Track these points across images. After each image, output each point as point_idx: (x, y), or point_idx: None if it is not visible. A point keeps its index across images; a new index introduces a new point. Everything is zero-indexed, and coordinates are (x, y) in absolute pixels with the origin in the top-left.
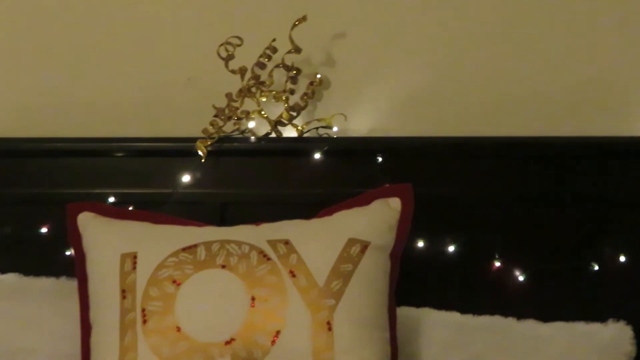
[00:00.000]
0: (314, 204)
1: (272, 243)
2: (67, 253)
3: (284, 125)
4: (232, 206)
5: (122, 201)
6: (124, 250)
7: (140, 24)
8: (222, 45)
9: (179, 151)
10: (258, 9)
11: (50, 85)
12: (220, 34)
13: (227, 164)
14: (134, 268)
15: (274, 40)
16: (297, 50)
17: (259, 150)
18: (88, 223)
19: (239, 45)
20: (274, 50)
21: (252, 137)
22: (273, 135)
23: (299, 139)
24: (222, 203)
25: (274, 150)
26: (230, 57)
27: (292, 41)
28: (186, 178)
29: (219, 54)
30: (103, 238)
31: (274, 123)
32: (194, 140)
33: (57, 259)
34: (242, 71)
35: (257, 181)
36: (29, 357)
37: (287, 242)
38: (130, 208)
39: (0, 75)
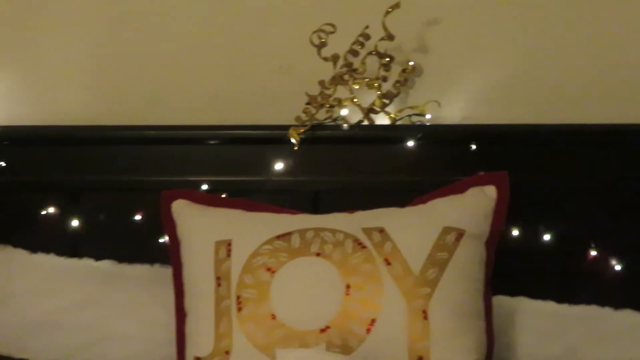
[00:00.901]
0: (407, 191)
1: (367, 231)
2: (161, 240)
3: (377, 112)
4: (324, 194)
5: (215, 189)
6: (218, 238)
7: (234, 12)
8: (315, 32)
9: (272, 139)
10: None
11: (144, 74)
12: (313, 21)
13: (320, 152)
14: (229, 255)
15: (367, 27)
16: (390, 37)
17: (351, 138)
18: (182, 210)
19: (332, 33)
20: (367, 37)
21: (345, 125)
22: (365, 123)
23: (392, 126)
24: (314, 191)
25: (367, 138)
26: (323, 45)
27: (385, 28)
28: (279, 166)
29: (312, 42)
30: (197, 225)
31: (367, 111)
32: (286, 128)
33: (151, 246)
34: (335, 58)
35: (349, 169)
36: (124, 343)
37: (382, 230)
38: (223, 196)
39: (97, 63)
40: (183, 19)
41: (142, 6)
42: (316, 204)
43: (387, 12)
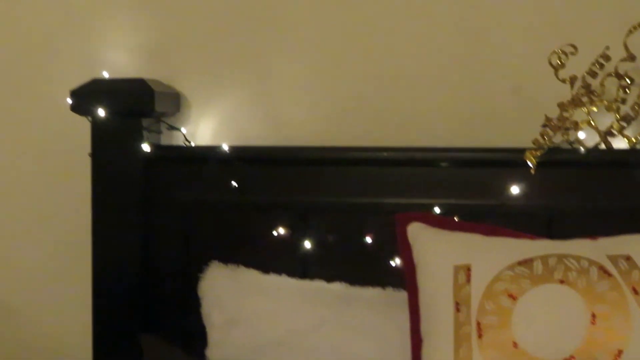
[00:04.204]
0: None
1: (613, 258)
2: (392, 263)
3: (614, 136)
4: (559, 218)
5: (447, 212)
6: (457, 262)
7: (462, 32)
8: (553, 53)
9: (506, 162)
10: (589, 15)
11: (372, 94)
12: (548, 41)
13: (556, 175)
14: (468, 281)
15: (607, 48)
16: (632, 58)
17: (588, 161)
18: (418, 234)
19: (573, 54)
20: (607, 58)
21: (582, 148)
22: (602, 146)
23: (632, 151)
24: (549, 215)
25: (605, 162)
26: (561, 66)
27: (626, 48)
28: (513, 189)
29: (550, 63)
30: (435, 249)
31: (604, 134)
32: (522, 150)
33: (382, 268)
34: (572, 80)
35: (586, 193)
36: None
37: (628, 258)
38: (455, 219)
39: (327, 83)
40: (410, 38)
41: (366, 27)
42: (550, 229)
43: (630, 32)
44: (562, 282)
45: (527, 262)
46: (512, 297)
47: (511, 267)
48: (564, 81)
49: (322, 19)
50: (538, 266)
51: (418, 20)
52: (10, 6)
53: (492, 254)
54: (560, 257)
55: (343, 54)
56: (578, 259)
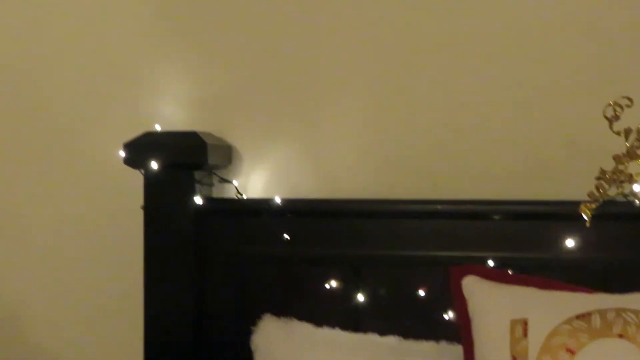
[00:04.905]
0: None
1: None
2: (445, 316)
3: None
4: (616, 271)
5: (501, 265)
6: (513, 316)
7: (514, 84)
8: (608, 105)
9: (561, 214)
10: None
11: (421, 147)
12: (603, 94)
13: (611, 228)
14: (525, 335)
15: None
16: None
17: None
18: (474, 287)
19: (628, 106)
20: None
21: (637, 201)
22: None
23: None
24: (605, 268)
25: None
26: (615, 118)
27: None
28: (569, 242)
29: (605, 115)
30: (491, 303)
31: None
32: (576, 203)
33: (436, 322)
34: (627, 132)
35: None
36: None
37: None
38: (510, 272)
39: (376, 136)
40: (461, 91)
41: (416, 79)
42: (606, 282)
43: None
44: (621, 336)
45: (584, 316)
46: (571, 352)
47: (569, 321)
48: (618, 133)
49: (372, 71)
50: (596, 320)
51: (470, 73)
52: (64, 58)
53: (548, 308)
54: (619, 311)
55: (393, 106)
56: (637, 312)
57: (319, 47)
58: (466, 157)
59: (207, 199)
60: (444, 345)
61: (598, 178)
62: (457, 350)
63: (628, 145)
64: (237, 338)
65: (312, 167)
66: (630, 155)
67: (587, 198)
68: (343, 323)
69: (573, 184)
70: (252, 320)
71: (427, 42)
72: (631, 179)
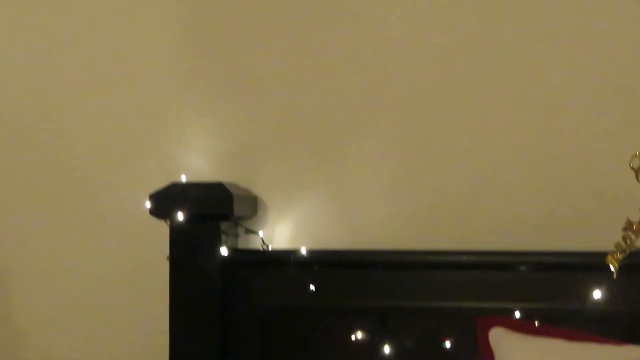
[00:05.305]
0: None
1: None
2: None
3: None
4: None
5: (528, 316)
6: None
7: (540, 132)
8: (635, 156)
9: (587, 265)
10: None
11: (446, 197)
12: (629, 144)
13: (639, 280)
14: None
15: None
16: None
17: None
18: (501, 339)
19: None
20: None
21: None
22: None
23: None
24: (632, 320)
25: None
26: None
27: None
28: (596, 293)
29: (631, 166)
30: (518, 355)
31: None
32: (603, 254)
33: None
34: None
35: None
36: None
37: None
38: (536, 323)
39: (401, 188)
40: (488, 140)
41: (439, 132)
42: (634, 334)
43: None
44: None
45: None
46: None
47: None
48: None
49: (398, 123)
50: None
51: (498, 123)
52: (91, 107)
53: None
54: None
55: (418, 157)
56: None
57: (345, 98)
58: (492, 207)
59: (233, 250)
60: None
61: (625, 229)
62: None
63: None
64: None
65: (337, 218)
66: None
67: (613, 249)
68: None
69: (600, 234)
70: None
71: (453, 94)
72: None
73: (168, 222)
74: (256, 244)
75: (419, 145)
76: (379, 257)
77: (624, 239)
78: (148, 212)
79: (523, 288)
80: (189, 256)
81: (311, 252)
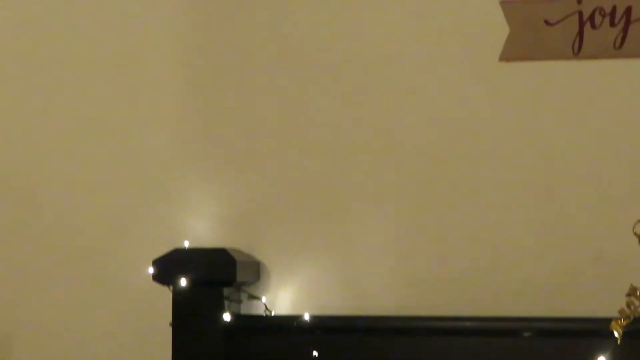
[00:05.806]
0: None
1: None
2: None
3: None
4: None
5: None
6: None
7: (535, 194)
8: (638, 222)
9: (591, 332)
10: None
11: (446, 262)
12: (632, 209)
13: None
14: None
15: None
16: None
17: None
18: None
19: None
20: None
21: None
22: None
23: None
24: None
25: None
26: None
27: None
28: None
29: (634, 231)
30: None
31: None
32: (607, 320)
33: None
34: None
35: None
36: None
37: None
38: None
39: (401, 253)
40: (488, 206)
41: (442, 197)
42: None
43: None
44: None
45: None
46: None
47: None
48: None
49: (401, 188)
50: None
51: (500, 190)
52: (94, 174)
53: None
54: None
55: (421, 223)
56: None
57: (347, 164)
58: (496, 273)
59: (236, 316)
60: None
61: (628, 295)
62: None
63: None
64: None
65: (340, 283)
66: None
67: (617, 315)
68: None
69: (604, 300)
70: None
71: (457, 162)
72: None
73: (171, 287)
74: (259, 310)
75: (422, 211)
76: (382, 323)
77: (628, 305)
78: (151, 278)
79: (527, 355)
80: (191, 322)
81: (314, 318)
